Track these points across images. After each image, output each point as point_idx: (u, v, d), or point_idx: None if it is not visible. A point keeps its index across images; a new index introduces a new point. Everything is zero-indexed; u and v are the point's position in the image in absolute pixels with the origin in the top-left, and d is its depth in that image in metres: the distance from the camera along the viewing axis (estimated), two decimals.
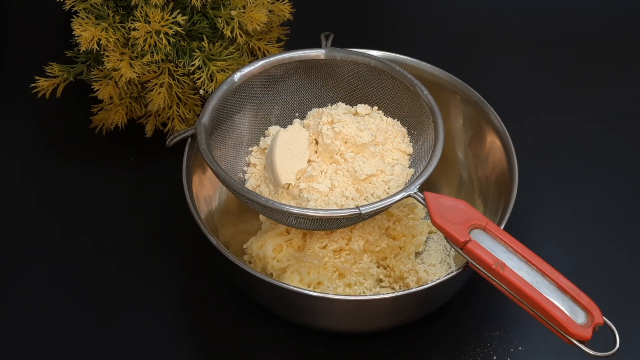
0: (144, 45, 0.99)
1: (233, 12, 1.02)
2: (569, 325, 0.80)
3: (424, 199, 0.88)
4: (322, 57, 0.99)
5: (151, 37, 0.99)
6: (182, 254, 1.02)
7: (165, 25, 0.99)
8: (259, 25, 1.02)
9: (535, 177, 1.07)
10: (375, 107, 0.99)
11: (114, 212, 1.06)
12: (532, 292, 0.81)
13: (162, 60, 1.02)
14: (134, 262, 1.01)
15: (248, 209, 0.96)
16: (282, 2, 1.07)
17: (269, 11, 1.05)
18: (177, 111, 1.06)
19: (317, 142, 0.96)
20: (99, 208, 1.06)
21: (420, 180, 0.90)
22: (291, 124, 1.00)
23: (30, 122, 1.15)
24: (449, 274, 0.87)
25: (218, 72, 1.01)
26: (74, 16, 1.01)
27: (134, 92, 1.06)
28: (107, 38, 1.00)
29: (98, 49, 1.01)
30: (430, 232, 1.01)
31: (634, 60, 1.22)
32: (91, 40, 0.99)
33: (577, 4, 1.28)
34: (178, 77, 1.03)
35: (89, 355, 0.94)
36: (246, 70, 0.98)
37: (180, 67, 1.03)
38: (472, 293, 0.97)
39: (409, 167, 0.97)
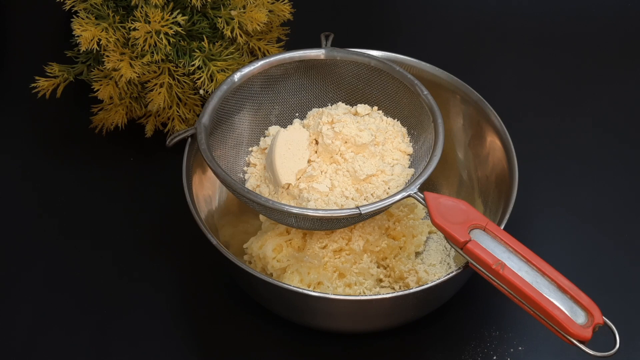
0: (144, 45, 0.99)
1: (233, 12, 1.02)
2: (569, 325, 0.80)
3: (424, 199, 0.88)
4: (322, 57, 0.99)
5: (151, 37, 0.99)
6: (182, 254, 1.02)
7: (165, 25, 0.99)
8: (259, 25, 1.02)
9: (535, 177, 1.07)
10: (375, 107, 0.99)
11: (113, 212, 1.06)
12: (532, 292, 0.81)
13: (162, 60, 1.02)
14: (133, 262, 1.01)
15: (248, 209, 0.96)
16: (282, 2, 1.07)
17: (269, 11, 1.05)
18: (177, 111, 1.06)
19: (317, 142, 0.96)
20: (99, 208, 1.06)
21: (420, 180, 0.90)
22: (291, 124, 1.00)
23: (30, 122, 1.15)
24: (449, 274, 0.87)
25: (218, 72, 1.01)
26: (74, 16, 1.01)
27: (134, 92, 1.06)
28: (107, 38, 1.00)
29: (98, 49, 1.01)
30: (430, 232, 1.01)
31: (634, 61, 1.22)
32: (91, 40, 0.99)
33: (577, 4, 1.28)
34: (178, 77, 1.03)
35: (88, 355, 0.94)
36: (246, 70, 0.98)
37: (180, 67, 1.03)
38: (472, 293, 0.97)
39: (409, 167, 0.97)
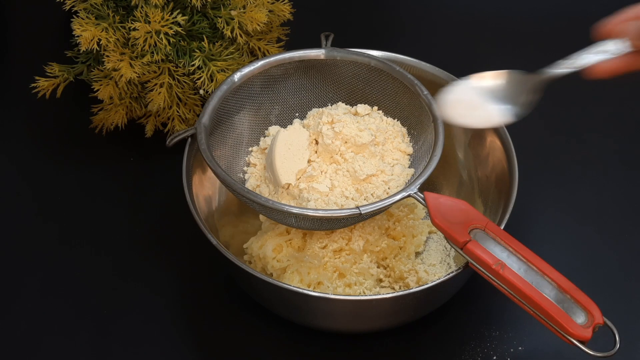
0: (144, 45, 0.99)
1: (233, 12, 1.02)
2: (569, 325, 0.80)
3: (424, 199, 0.88)
4: (322, 57, 0.99)
5: (151, 37, 0.99)
6: (182, 254, 1.02)
7: (165, 25, 0.99)
8: (259, 25, 1.02)
9: (535, 177, 1.07)
10: (375, 107, 0.99)
11: (113, 212, 1.06)
12: (532, 292, 0.81)
13: (162, 60, 1.02)
14: (133, 262, 1.01)
15: (248, 209, 0.96)
16: (282, 2, 1.07)
17: (269, 11, 1.05)
18: (177, 111, 1.06)
19: (317, 142, 0.96)
20: (99, 208, 1.06)
21: (420, 180, 0.90)
22: (291, 124, 1.00)
23: (30, 122, 1.15)
24: (449, 274, 0.87)
25: (218, 72, 1.01)
26: (74, 16, 1.01)
27: (134, 92, 1.06)
28: (107, 38, 1.00)
29: (98, 49, 1.01)
30: (430, 232, 1.01)
31: None
32: (91, 40, 0.99)
33: (577, 4, 1.28)
34: (178, 77, 1.04)
35: (88, 356, 0.94)
36: (246, 70, 0.98)
37: (180, 67, 1.03)
38: (472, 293, 0.97)
39: (409, 167, 0.97)
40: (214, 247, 0.89)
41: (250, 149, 0.99)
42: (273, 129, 1.00)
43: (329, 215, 0.88)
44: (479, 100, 0.88)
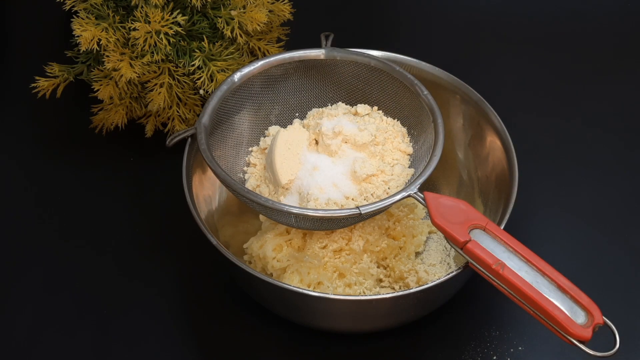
0: (144, 45, 0.99)
1: (233, 12, 1.02)
2: (569, 325, 0.80)
3: (424, 199, 0.88)
4: (322, 57, 0.99)
5: (151, 37, 0.99)
6: (182, 254, 1.02)
7: (165, 26, 0.99)
8: (259, 25, 1.02)
9: (535, 177, 1.07)
10: (375, 107, 0.99)
11: (113, 212, 1.06)
12: (532, 292, 0.81)
13: (162, 60, 1.02)
14: (133, 262, 1.01)
15: (248, 209, 0.96)
16: (282, 2, 1.07)
17: (269, 11, 1.05)
18: (177, 111, 1.06)
19: (317, 142, 0.96)
20: (99, 208, 1.06)
21: (420, 180, 0.90)
22: (291, 124, 1.00)
23: (30, 122, 1.15)
24: (449, 274, 0.87)
25: (218, 72, 1.01)
26: (74, 16, 1.01)
27: (134, 92, 1.06)
28: (107, 38, 1.00)
29: (98, 49, 1.01)
30: (430, 232, 1.01)
31: (634, 61, 1.22)
32: (91, 40, 0.99)
33: (577, 4, 1.28)
34: (178, 77, 1.04)
35: (88, 356, 0.94)
36: (246, 70, 0.98)
37: (180, 67, 1.03)
38: (472, 293, 0.97)
39: (409, 167, 0.97)
40: (214, 247, 0.89)
41: (250, 149, 0.99)
42: (273, 129, 1.00)
43: (329, 215, 0.88)
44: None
